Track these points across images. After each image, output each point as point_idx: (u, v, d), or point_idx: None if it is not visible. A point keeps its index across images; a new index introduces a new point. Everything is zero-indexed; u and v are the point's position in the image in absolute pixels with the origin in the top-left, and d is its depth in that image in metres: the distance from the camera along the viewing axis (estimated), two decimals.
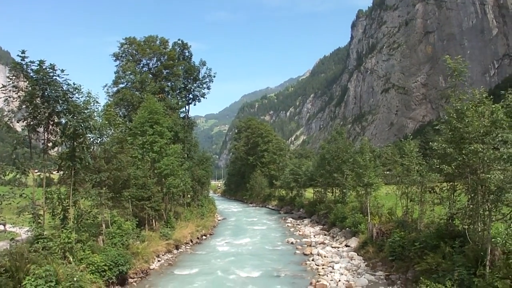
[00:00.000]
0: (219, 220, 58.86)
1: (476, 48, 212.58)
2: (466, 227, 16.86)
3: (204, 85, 59.12)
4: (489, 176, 14.43)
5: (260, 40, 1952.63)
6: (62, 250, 18.88)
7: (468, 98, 17.05)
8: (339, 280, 22.65)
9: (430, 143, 19.77)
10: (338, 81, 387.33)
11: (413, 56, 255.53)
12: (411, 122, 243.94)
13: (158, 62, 55.64)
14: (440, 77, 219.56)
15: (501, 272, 13.26)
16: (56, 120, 20.25)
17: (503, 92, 15.83)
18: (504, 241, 13.27)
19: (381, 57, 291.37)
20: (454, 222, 19.55)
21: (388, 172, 40.94)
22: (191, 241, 38.13)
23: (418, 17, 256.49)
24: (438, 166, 18.44)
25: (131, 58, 53.74)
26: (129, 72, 51.16)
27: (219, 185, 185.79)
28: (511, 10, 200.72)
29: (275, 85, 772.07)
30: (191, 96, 59.46)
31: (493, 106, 15.62)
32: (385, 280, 22.14)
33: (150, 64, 55.81)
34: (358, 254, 28.67)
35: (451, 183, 20.12)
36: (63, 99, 19.85)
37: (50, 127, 20.08)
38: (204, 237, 41.99)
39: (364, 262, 26.55)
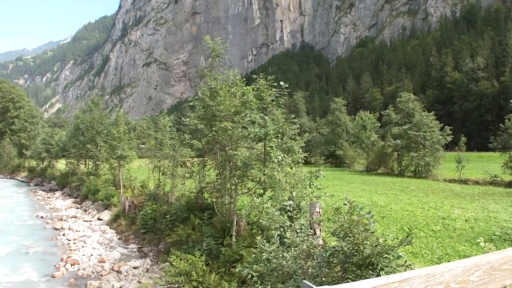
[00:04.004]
0: None
1: (238, 34, 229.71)
2: (215, 200, 17.75)
3: None
4: (237, 152, 15.39)
5: None
6: None
7: (222, 78, 17.82)
8: (91, 255, 21.71)
9: (183, 118, 20.28)
10: (101, 50, 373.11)
11: (178, 34, 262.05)
12: (169, 98, 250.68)
13: None
14: (201, 57, 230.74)
15: (246, 241, 14.32)
16: None
17: (255, 76, 16.98)
18: (248, 213, 14.30)
19: (146, 30, 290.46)
20: (203, 195, 20.45)
21: (142, 146, 41.27)
22: None
23: None
24: (189, 141, 19.01)
25: None
26: None
27: None
28: (274, 4, 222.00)
29: (33, 47, 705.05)
30: None
31: (245, 88, 16.63)
32: (137, 253, 22.04)
33: None
34: (110, 228, 27.95)
35: (202, 158, 20.95)
36: None
37: None
38: None
39: (117, 236, 26.02)
